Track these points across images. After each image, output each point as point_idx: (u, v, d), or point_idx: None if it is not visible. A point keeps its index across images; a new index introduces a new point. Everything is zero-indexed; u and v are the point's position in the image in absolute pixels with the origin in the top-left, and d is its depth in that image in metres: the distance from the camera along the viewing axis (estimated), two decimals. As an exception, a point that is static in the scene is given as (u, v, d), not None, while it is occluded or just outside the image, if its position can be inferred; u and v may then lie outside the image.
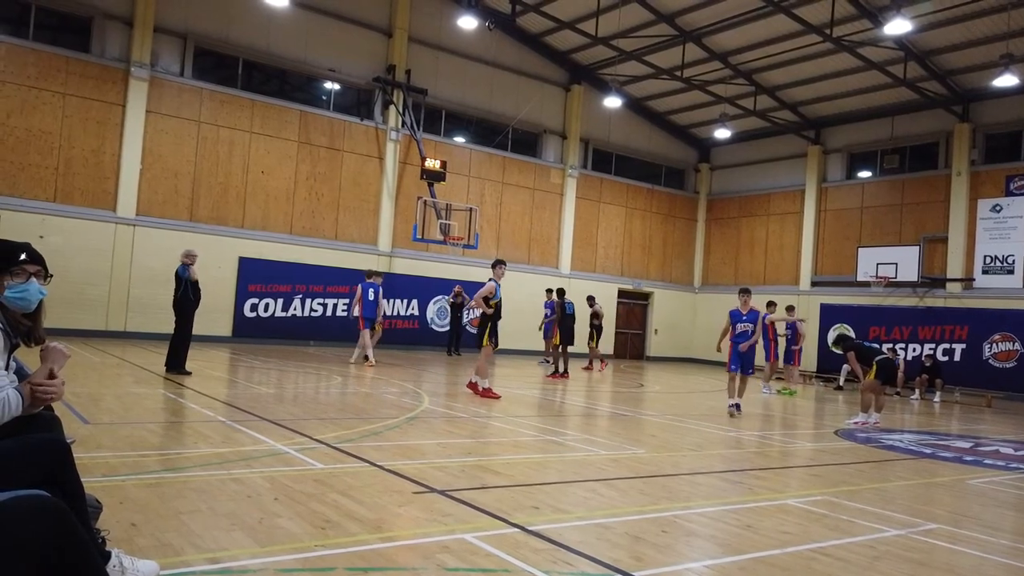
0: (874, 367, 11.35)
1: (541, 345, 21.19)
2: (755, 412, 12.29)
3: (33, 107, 17.12)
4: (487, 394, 10.87)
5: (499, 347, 11.46)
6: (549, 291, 19.86)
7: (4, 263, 2.91)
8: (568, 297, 17.52)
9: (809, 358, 23.64)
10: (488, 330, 11.24)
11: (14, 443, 2.62)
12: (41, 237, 16.36)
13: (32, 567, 2.20)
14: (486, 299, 11.05)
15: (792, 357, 16.61)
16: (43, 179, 17.25)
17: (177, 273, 11.38)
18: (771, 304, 16.47)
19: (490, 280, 11.17)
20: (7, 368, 2.88)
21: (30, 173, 17.10)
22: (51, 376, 2.79)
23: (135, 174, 18.23)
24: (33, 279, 2.94)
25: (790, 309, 17.02)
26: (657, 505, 5.05)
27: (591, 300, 19.41)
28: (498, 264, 11.36)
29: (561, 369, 16.55)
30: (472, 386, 11.22)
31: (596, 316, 19.22)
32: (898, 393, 18.66)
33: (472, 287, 22.84)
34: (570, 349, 17.05)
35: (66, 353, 2.85)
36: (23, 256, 2.94)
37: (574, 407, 11.53)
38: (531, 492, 5.14)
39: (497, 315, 11.30)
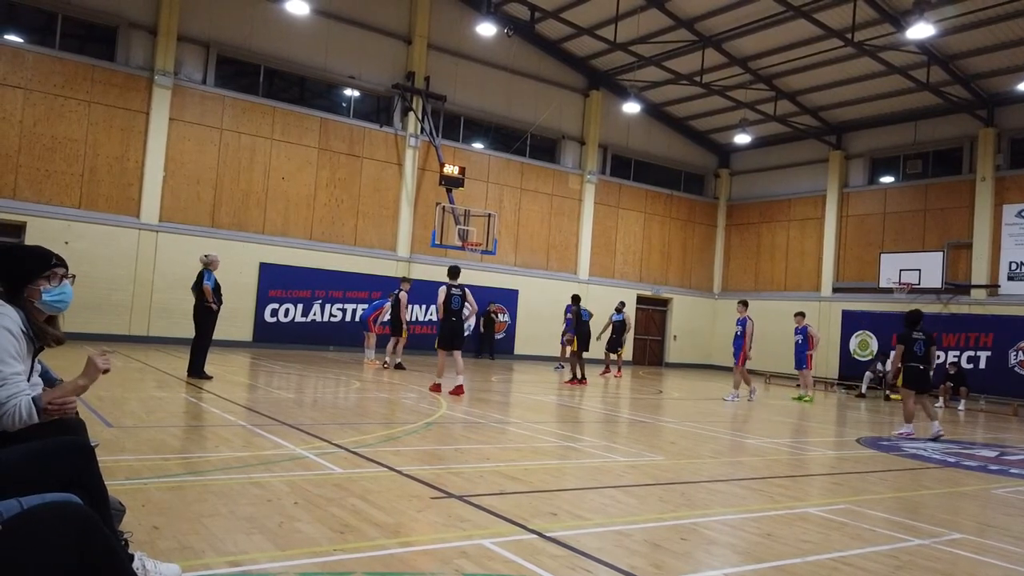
0: (904, 371, 10.76)
1: (558, 351, 21.15)
2: (775, 420, 12.19)
3: (59, 115, 17.40)
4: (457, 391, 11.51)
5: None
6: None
7: (41, 268, 2.98)
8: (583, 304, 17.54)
9: (831, 365, 23.40)
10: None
11: (40, 446, 2.67)
12: (67, 243, 16.62)
13: (59, 574, 2.21)
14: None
15: (805, 362, 16.52)
16: (68, 186, 17.52)
17: (200, 278, 11.41)
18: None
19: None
20: (31, 372, 2.93)
21: (56, 180, 17.37)
22: (80, 390, 2.88)
23: (158, 181, 18.46)
24: (65, 281, 3.03)
25: (799, 315, 16.93)
26: (676, 512, 5.02)
27: (621, 306, 19.61)
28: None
29: (579, 375, 16.51)
30: (436, 388, 11.79)
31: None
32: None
33: (488, 293, 22.83)
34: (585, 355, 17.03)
35: (100, 370, 2.90)
36: (53, 261, 3.03)
37: (592, 413, 11.49)
38: (549, 498, 5.13)
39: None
